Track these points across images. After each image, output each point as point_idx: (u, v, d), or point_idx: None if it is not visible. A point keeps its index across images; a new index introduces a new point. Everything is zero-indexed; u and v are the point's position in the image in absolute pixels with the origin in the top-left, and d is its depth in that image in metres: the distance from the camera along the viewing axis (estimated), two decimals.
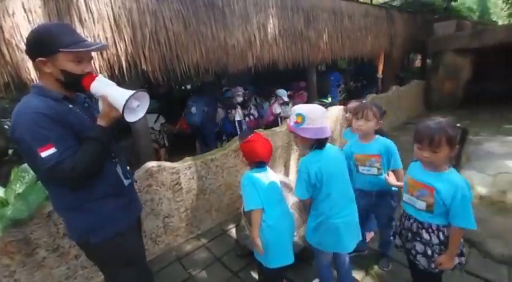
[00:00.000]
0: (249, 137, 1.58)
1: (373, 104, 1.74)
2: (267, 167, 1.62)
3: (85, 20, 2.12)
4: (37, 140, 0.95)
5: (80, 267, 1.84)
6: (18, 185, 1.64)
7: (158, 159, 3.46)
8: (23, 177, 1.66)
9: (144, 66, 2.43)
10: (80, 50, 1.02)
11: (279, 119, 4.49)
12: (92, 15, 2.15)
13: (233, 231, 2.48)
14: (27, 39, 1.03)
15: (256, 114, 4.69)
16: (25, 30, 1.87)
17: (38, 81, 1.11)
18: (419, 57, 9.35)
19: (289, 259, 1.55)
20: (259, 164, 1.56)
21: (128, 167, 1.32)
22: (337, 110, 3.87)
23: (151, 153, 3.01)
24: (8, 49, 1.85)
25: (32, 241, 1.62)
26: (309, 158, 1.40)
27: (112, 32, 2.23)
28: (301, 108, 1.40)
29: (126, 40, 2.31)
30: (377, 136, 1.74)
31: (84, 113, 1.14)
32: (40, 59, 1.01)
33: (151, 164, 2.14)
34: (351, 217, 1.47)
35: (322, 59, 4.23)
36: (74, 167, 0.97)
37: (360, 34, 4.71)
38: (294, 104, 4.30)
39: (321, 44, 4.04)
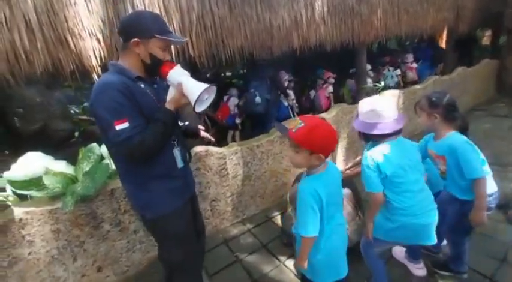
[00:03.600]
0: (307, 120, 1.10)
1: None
2: (330, 162, 1.22)
3: (137, 6, 2.16)
4: (115, 113, 1.04)
5: (138, 242, 1.97)
6: (85, 164, 1.78)
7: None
8: (89, 156, 1.80)
9: (191, 52, 2.43)
10: (173, 39, 1.17)
11: (331, 100, 4.41)
12: (144, 1, 2.18)
13: (277, 219, 2.44)
14: (125, 20, 1.18)
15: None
16: (86, 19, 1.97)
17: (119, 60, 1.23)
18: (487, 33, 8.02)
19: (343, 273, 1.28)
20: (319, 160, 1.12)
21: (189, 153, 1.41)
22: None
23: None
24: (72, 38, 1.98)
25: (98, 216, 1.77)
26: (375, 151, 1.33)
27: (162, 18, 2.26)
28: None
29: (175, 26, 2.31)
30: (449, 133, 1.43)
31: (153, 94, 1.21)
32: (135, 39, 1.12)
33: (200, 149, 2.16)
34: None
35: (374, 37, 3.82)
36: (142, 142, 1.05)
37: (421, 7, 4.14)
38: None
39: (374, 21, 3.63)
